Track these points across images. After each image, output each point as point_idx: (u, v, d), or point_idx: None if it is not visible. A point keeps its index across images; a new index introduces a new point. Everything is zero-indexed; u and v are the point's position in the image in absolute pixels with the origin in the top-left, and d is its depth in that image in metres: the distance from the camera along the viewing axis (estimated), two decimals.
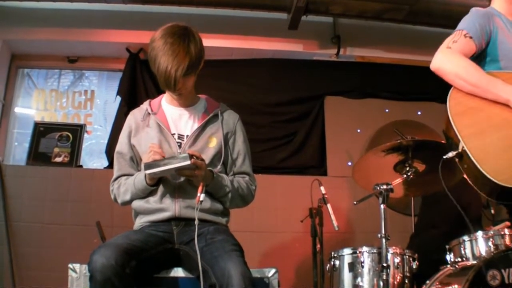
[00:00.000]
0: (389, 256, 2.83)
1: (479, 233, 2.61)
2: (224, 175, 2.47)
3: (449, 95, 2.19)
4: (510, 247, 2.48)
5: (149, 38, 2.42)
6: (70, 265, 2.26)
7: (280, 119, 4.91)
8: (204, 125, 2.52)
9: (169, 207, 2.38)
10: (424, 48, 4.46)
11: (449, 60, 2.25)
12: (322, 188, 3.56)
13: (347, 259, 2.98)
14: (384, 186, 2.68)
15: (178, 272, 2.31)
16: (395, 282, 2.86)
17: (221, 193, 2.43)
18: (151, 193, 2.42)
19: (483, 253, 2.54)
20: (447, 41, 2.31)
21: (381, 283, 2.56)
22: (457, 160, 2.13)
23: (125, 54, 4.84)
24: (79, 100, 5.06)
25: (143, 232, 2.33)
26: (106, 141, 4.68)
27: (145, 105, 2.61)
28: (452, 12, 4.40)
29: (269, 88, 4.98)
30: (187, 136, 2.49)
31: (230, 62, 5.05)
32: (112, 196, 2.55)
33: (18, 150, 4.83)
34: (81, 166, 4.56)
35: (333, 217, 3.35)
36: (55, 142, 4.55)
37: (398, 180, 3.00)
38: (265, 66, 5.06)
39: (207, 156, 2.43)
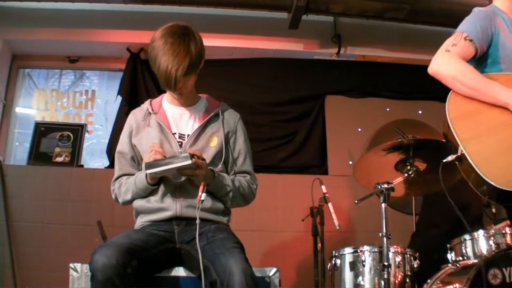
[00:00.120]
0: (390, 255, 2.84)
1: (480, 232, 2.62)
2: (225, 175, 2.47)
3: (448, 98, 2.19)
4: (511, 246, 2.48)
5: (149, 38, 2.42)
6: (71, 265, 2.26)
7: (280, 119, 4.91)
8: (205, 124, 2.52)
9: (170, 206, 2.38)
10: (425, 47, 4.47)
11: (446, 63, 2.25)
12: (323, 187, 3.56)
13: (348, 258, 2.98)
14: (385, 185, 2.68)
15: (179, 272, 2.31)
16: (396, 281, 2.86)
17: (222, 192, 2.44)
18: (152, 193, 2.43)
19: (484, 252, 2.54)
20: (446, 44, 2.30)
21: (382, 282, 2.57)
22: (457, 163, 2.13)
23: (126, 54, 4.84)
24: (80, 100, 5.06)
25: (144, 231, 2.33)
26: (107, 141, 4.68)
27: (145, 105, 2.61)
28: (453, 11, 4.40)
29: (269, 88, 4.98)
30: (188, 135, 2.49)
31: (230, 61, 5.05)
32: (113, 196, 2.55)
33: (19, 150, 4.83)
34: (82, 166, 4.57)
35: (334, 216, 3.35)
36: (56, 142, 4.55)
37: (399, 179, 3.00)
38: (265, 66, 5.06)
39: (208, 156, 2.43)
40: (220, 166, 2.48)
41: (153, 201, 2.41)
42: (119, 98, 4.72)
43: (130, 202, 2.49)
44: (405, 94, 5.04)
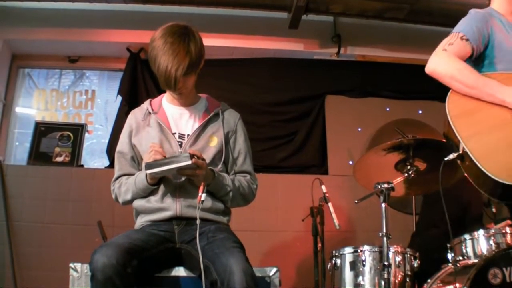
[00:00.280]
0: (391, 254, 2.84)
1: (480, 232, 2.62)
2: (225, 175, 2.47)
3: (447, 98, 2.19)
4: (511, 245, 2.48)
5: (149, 38, 2.42)
6: (71, 265, 2.26)
7: (280, 118, 4.91)
8: (205, 124, 2.52)
9: (170, 206, 2.38)
10: (424, 47, 4.42)
11: (444, 62, 2.25)
12: (323, 187, 3.57)
13: (348, 258, 2.99)
14: (385, 185, 2.68)
15: (180, 271, 2.31)
16: (397, 281, 2.86)
17: (222, 192, 2.44)
18: (152, 193, 2.43)
19: (485, 252, 2.54)
20: (443, 43, 2.31)
21: (382, 282, 2.56)
22: (459, 162, 2.13)
23: (126, 53, 4.84)
24: (80, 100, 5.06)
25: (144, 231, 2.33)
26: (107, 141, 4.68)
27: (145, 105, 2.61)
28: (452, 11, 4.40)
29: (269, 88, 4.98)
30: (188, 135, 2.49)
31: (230, 61, 5.05)
32: (113, 196, 2.55)
33: (19, 150, 4.83)
34: (82, 165, 4.57)
35: (334, 216, 3.35)
36: (56, 141, 4.55)
37: (399, 179, 3.00)
38: (265, 66, 5.06)
39: (208, 156, 2.43)
40: (220, 166, 2.48)
41: (153, 201, 2.41)
42: (119, 98, 4.72)
43: (130, 202, 2.49)
44: (405, 94, 5.04)
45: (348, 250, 3.01)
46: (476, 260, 2.47)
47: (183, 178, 2.38)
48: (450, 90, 2.22)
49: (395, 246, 2.91)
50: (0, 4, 4.62)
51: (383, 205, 2.68)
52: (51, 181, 4.35)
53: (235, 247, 2.16)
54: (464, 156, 2.09)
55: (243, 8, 4.72)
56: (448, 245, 2.69)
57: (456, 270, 2.47)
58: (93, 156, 4.96)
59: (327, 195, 3.54)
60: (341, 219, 3.47)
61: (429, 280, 2.60)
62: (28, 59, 5.04)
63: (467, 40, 2.27)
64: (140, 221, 2.45)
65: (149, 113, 2.55)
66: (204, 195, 2.21)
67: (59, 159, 4.50)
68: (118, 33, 4.82)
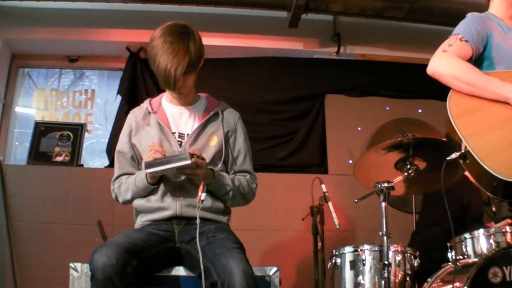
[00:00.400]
0: (391, 254, 2.84)
1: (481, 231, 2.62)
2: (225, 174, 2.47)
3: (448, 97, 2.19)
4: (511, 244, 2.48)
5: (149, 37, 2.41)
6: (71, 264, 2.25)
7: (280, 118, 4.91)
8: (205, 123, 2.51)
9: (170, 206, 2.38)
10: (424, 46, 4.46)
11: (445, 63, 2.26)
12: (323, 186, 3.57)
13: (349, 257, 2.98)
14: (385, 184, 2.68)
15: (179, 271, 2.31)
16: (397, 280, 2.86)
17: (222, 191, 2.43)
18: (152, 192, 2.42)
19: (485, 251, 2.54)
20: (443, 45, 2.32)
21: (383, 281, 2.56)
22: (461, 161, 2.13)
23: (126, 53, 4.84)
24: (80, 100, 5.06)
25: (144, 231, 2.33)
26: (106, 140, 4.68)
27: (145, 104, 2.61)
28: (452, 10, 4.41)
29: (269, 87, 4.99)
30: (188, 134, 2.48)
31: (230, 60, 5.05)
32: (113, 195, 2.55)
33: (19, 150, 4.83)
34: (82, 165, 4.57)
35: (334, 215, 3.35)
36: (56, 141, 4.55)
37: (399, 178, 2.99)
38: (265, 65, 5.06)
39: (207, 155, 2.43)
40: (220, 165, 2.48)
41: (153, 200, 2.41)
42: (119, 98, 4.72)
43: (130, 201, 2.49)
44: (405, 93, 5.04)
45: (348, 249, 3.01)
46: (476, 259, 2.47)
47: (183, 177, 2.37)
48: (451, 90, 2.22)
49: (395, 245, 2.91)
50: (0, 4, 4.61)
51: (383, 204, 2.68)
52: (51, 181, 4.35)
53: (235, 248, 2.16)
54: (466, 155, 2.08)
55: (242, 7, 4.72)
56: (448, 244, 2.69)
57: (456, 269, 2.47)
58: (93, 156, 4.96)
59: (327, 194, 3.54)
60: (341, 218, 3.48)
61: (429, 279, 2.60)
62: (27, 59, 5.04)
63: (466, 41, 2.28)
64: (140, 220, 2.45)
65: (149, 112, 2.55)
66: (204, 194, 2.21)
67: (59, 158, 4.50)
68: (117, 32, 4.82)
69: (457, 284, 2.31)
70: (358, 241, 4.36)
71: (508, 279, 2.22)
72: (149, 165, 2.25)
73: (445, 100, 2.17)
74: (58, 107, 5.01)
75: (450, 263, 2.58)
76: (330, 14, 4.92)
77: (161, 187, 2.41)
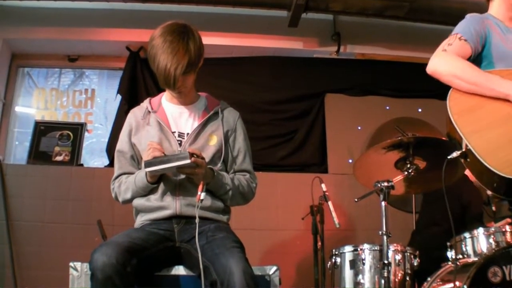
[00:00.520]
0: (390, 253, 2.84)
1: (480, 230, 2.62)
2: (224, 173, 2.47)
3: (448, 96, 2.19)
4: (511, 244, 2.49)
5: (149, 37, 2.41)
6: (71, 264, 2.26)
7: (280, 117, 4.91)
8: (205, 123, 2.51)
9: (170, 205, 2.38)
10: (424, 45, 4.46)
11: (444, 61, 2.26)
12: (323, 185, 3.57)
13: (348, 257, 2.99)
14: (385, 183, 2.68)
15: (179, 270, 2.31)
16: (396, 280, 2.86)
17: (222, 191, 2.43)
18: (152, 191, 2.42)
19: (484, 250, 2.55)
20: (443, 45, 2.32)
21: (382, 281, 2.56)
22: (462, 160, 2.13)
23: (126, 52, 4.84)
24: (80, 99, 5.06)
25: (144, 230, 2.33)
26: (106, 140, 4.68)
27: (145, 103, 2.60)
28: (452, 9, 4.41)
29: (269, 86, 4.99)
30: (188, 134, 2.48)
31: (230, 60, 5.05)
32: (113, 195, 2.55)
33: (19, 149, 4.83)
34: (81, 165, 4.57)
35: (334, 214, 3.36)
36: (56, 141, 4.55)
37: (399, 177, 3.00)
38: (265, 64, 5.06)
39: (207, 154, 2.42)
40: (219, 164, 2.47)
41: (153, 199, 2.41)
42: (119, 97, 4.72)
43: (130, 200, 2.49)
44: (405, 92, 5.04)
45: (348, 248, 3.01)
46: (476, 259, 2.47)
47: (183, 177, 2.37)
48: (451, 89, 2.22)
49: (395, 244, 2.92)
50: (0, 3, 4.61)
51: (383, 203, 2.68)
52: (50, 180, 4.35)
53: (235, 247, 2.16)
54: (467, 154, 2.08)
55: (242, 7, 4.72)
56: (448, 244, 2.69)
57: (456, 268, 2.48)
58: (93, 155, 4.96)
59: (327, 193, 3.54)
60: (341, 217, 3.48)
61: (429, 279, 2.60)
62: (27, 58, 5.04)
63: (466, 40, 2.28)
64: (140, 220, 2.45)
65: (149, 112, 2.54)
66: (203, 194, 2.21)
67: (58, 158, 4.50)
68: (117, 32, 4.82)
69: (457, 283, 2.31)
70: (358, 240, 4.37)
71: (507, 278, 2.22)
72: (148, 164, 2.25)
73: (445, 99, 2.17)
74: (58, 107, 5.01)
75: (450, 263, 2.59)
76: (330, 13, 4.92)
77: (161, 186, 2.41)
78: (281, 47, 5.02)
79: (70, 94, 5.07)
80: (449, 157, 2.14)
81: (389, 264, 2.57)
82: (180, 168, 2.26)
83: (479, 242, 2.60)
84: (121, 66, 4.87)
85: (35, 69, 5.11)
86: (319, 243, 3.54)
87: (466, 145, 2.05)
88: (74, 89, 5.10)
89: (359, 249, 2.95)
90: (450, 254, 2.67)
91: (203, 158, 2.30)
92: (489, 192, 3.08)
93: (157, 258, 2.25)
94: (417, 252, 2.98)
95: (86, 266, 2.20)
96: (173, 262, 2.32)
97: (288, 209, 4.44)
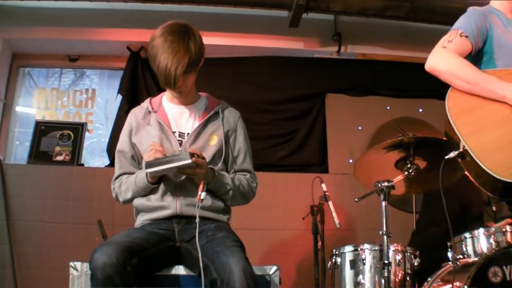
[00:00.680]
0: (391, 253, 2.83)
1: (481, 230, 2.61)
2: (225, 173, 2.47)
3: (447, 95, 2.19)
4: (511, 244, 2.48)
5: (149, 37, 2.41)
6: (71, 263, 2.26)
7: (281, 117, 4.91)
8: (205, 123, 2.51)
9: (170, 205, 2.38)
10: (425, 45, 4.41)
11: (443, 59, 2.25)
12: (323, 185, 3.57)
13: (349, 257, 2.98)
14: (386, 183, 2.68)
15: (179, 270, 2.31)
16: (397, 280, 2.86)
17: (222, 191, 2.43)
18: (152, 191, 2.42)
19: (485, 250, 2.54)
20: (442, 41, 2.31)
21: (383, 281, 2.56)
22: (460, 160, 2.12)
23: (126, 52, 4.85)
24: (80, 99, 5.06)
25: (144, 230, 2.33)
26: (107, 140, 4.69)
27: (145, 103, 2.60)
28: (453, 9, 4.40)
29: (270, 86, 4.99)
30: (188, 134, 2.48)
31: (231, 60, 5.05)
32: (114, 195, 2.55)
33: (19, 149, 4.83)
34: (82, 164, 4.57)
35: (334, 214, 3.35)
36: (56, 141, 4.55)
37: (399, 177, 3.00)
38: (266, 64, 5.06)
39: (208, 154, 2.43)
40: (220, 164, 2.48)
41: (154, 199, 2.41)
42: (119, 97, 4.72)
43: (130, 200, 2.49)
44: (406, 92, 5.04)
45: (348, 248, 3.01)
46: (476, 259, 2.47)
47: (183, 177, 2.37)
48: (450, 88, 2.22)
49: (395, 244, 2.91)
50: (0, 3, 4.62)
51: (383, 203, 2.68)
52: (51, 180, 4.36)
53: (235, 246, 2.16)
54: (464, 154, 2.08)
55: (243, 7, 4.72)
56: (449, 244, 2.69)
57: (456, 268, 2.47)
58: (94, 155, 4.96)
59: (327, 193, 3.54)
60: (341, 217, 3.48)
61: (429, 279, 2.60)
62: (28, 58, 5.04)
63: (466, 37, 2.27)
64: (140, 219, 2.45)
65: (149, 111, 2.55)
66: (204, 193, 2.21)
67: (59, 158, 4.51)
68: (118, 32, 4.82)
69: (457, 283, 2.31)
70: (358, 240, 4.37)
71: (508, 278, 2.21)
72: (149, 164, 2.25)
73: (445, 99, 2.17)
74: (59, 107, 5.02)
75: (450, 263, 2.58)
76: (331, 13, 4.91)
77: (161, 186, 2.41)
78: (282, 47, 5.02)
79: (71, 94, 5.07)
80: (446, 157, 2.14)
81: (390, 264, 2.57)
82: (180, 169, 2.26)
83: (479, 242, 2.59)
84: (122, 66, 4.87)
85: (35, 69, 5.11)
86: (320, 243, 3.54)
87: (464, 146, 2.05)
88: (75, 89, 5.10)
89: (359, 249, 2.95)
90: (451, 254, 2.66)
91: (203, 158, 2.30)
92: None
93: (158, 257, 2.25)
94: (418, 252, 2.97)
95: (86, 266, 2.20)
96: (173, 262, 2.32)
97: (288, 209, 4.44)
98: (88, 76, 5.19)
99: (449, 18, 4.16)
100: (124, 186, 2.48)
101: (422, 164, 3.07)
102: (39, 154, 4.48)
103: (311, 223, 3.59)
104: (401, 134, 3.38)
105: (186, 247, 2.32)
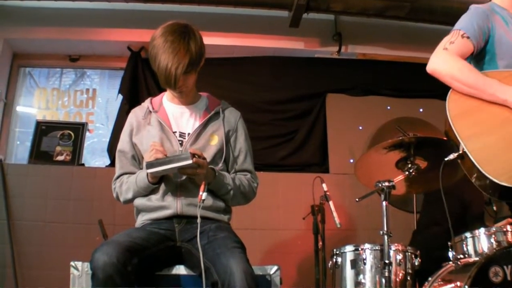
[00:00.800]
0: (391, 253, 2.83)
1: (481, 230, 2.61)
2: (225, 173, 2.47)
3: (447, 97, 2.18)
4: None
5: (150, 37, 2.41)
6: (72, 263, 2.26)
7: (281, 117, 4.91)
8: (206, 123, 2.51)
9: (171, 205, 2.38)
10: (426, 45, 4.43)
11: (444, 62, 2.24)
12: (324, 185, 3.57)
13: (349, 256, 2.98)
14: (386, 183, 2.68)
15: (180, 270, 2.31)
16: (397, 279, 2.86)
17: (223, 191, 2.43)
18: (153, 191, 2.42)
19: (485, 250, 2.54)
20: (444, 42, 2.30)
21: (383, 280, 2.56)
22: (459, 161, 2.12)
23: (127, 52, 4.85)
24: (81, 99, 5.06)
25: (145, 229, 2.33)
26: (108, 140, 4.69)
27: (146, 103, 2.61)
28: (453, 9, 4.40)
29: (270, 86, 4.99)
30: (189, 134, 2.49)
31: (231, 60, 5.05)
32: (114, 195, 2.55)
33: (20, 149, 4.83)
34: (83, 164, 4.57)
35: (335, 214, 3.35)
36: (57, 140, 4.55)
37: (400, 177, 2.99)
38: (266, 64, 5.06)
39: (208, 154, 2.43)
40: (220, 164, 2.48)
41: (154, 199, 2.41)
42: (120, 97, 4.73)
43: (131, 200, 2.49)
44: (406, 92, 5.04)
45: (349, 248, 3.00)
46: (477, 258, 2.46)
47: (184, 177, 2.37)
48: (451, 89, 2.22)
49: (396, 244, 2.91)
50: (1, 3, 4.62)
51: (384, 203, 2.68)
52: (52, 180, 4.36)
53: (236, 247, 2.16)
54: (464, 156, 2.08)
55: (244, 7, 4.72)
56: (449, 243, 2.69)
57: (457, 268, 2.47)
58: (94, 155, 4.96)
59: (328, 193, 3.54)
60: (342, 217, 3.48)
61: (430, 278, 2.59)
62: (29, 58, 5.04)
63: (468, 38, 2.26)
64: (141, 219, 2.45)
65: (150, 111, 2.55)
66: (205, 194, 2.21)
67: (60, 158, 4.51)
68: (119, 32, 4.82)
69: (458, 283, 2.31)
70: (359, 240, 4.37)
71: (509, 278, 2.21)
72: (150, 165, 2.25)
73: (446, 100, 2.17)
74: (59, 107, 5.02)
75: (451, 262, 2.58)
76: (331, 13, 4.91)
77: (162, 186, 2.41)
78: (282, 47, 5.02)
79: (71, 94, 5.07)
80: (446, 158, 2.14)
81: (390, 263, 2.57)
82: (181, 169, 2.26)
83: (480, 241, 2.59)
84: (122, 66, 4.88)
85: (36, 69, 5.11)
86: (320, 243, 3.54)
87: (463, 149, 2.05)
88: (75, 89, 5.10)
89: (360, 249, 2.94)
90: (451, 253, 2.66)
91: (204, 159, 2.30)
92: None
93: (158, 257, 2.25)
94: (418, 252, 2.97)
95: (87, 265, 2.21)
96: (174, 262, 2.32)
97: (289, 209, 4.44)
98: (88, 76, 5.19)
99: (449, 18, 4.15)
100: (125, 186, 2.48)
101: (422, 164, 3.07)
102: (39, 154, 4.49)
103: (312, 223, 3.59)
104: (402, 134, 3.38)
105: (186, 247, 2.32)
